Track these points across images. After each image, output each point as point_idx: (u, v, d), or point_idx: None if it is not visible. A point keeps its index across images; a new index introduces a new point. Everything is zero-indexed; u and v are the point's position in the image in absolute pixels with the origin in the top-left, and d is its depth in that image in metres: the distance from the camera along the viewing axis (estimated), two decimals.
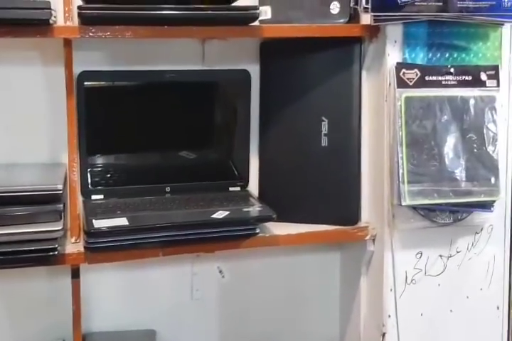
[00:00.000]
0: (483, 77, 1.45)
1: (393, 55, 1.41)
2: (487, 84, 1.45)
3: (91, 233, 1.30)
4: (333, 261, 1.75)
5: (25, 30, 1.25)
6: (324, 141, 1.51)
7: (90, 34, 1.29)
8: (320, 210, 1.53)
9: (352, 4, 1.42)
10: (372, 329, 1.55)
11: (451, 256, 1.51)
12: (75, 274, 1.44)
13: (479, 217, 1.48)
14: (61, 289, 1.53)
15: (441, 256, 1.50)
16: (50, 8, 1.21)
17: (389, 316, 1.47)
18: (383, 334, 1.48)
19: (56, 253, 1.26)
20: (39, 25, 1.25)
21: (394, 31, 1.40)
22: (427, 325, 1.50)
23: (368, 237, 1.51)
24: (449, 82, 1.43)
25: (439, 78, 1.43)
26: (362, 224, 1.53)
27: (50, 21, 1.25)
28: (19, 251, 1.24)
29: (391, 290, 1.47)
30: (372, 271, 1.56)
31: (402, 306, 1.47)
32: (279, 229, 1.48)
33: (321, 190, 1.53)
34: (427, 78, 1.42)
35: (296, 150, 1.56)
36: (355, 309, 1.65)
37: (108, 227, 1.30)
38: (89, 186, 1.50)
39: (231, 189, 1.60)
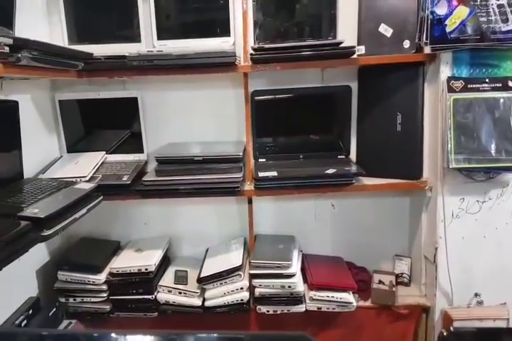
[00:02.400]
0: (510, 83, 1.42)
1: (445, 71, 1.44)
2: None
3: (257, 179, 1.52)
4: (404, 202, 1.77)
5: (223, 69, 1.48)
6: (399, 127, 1.55)
7: (257, 69, 1.49)
8: (396, 170, 1.57)
9: (417, 41, 1.46)
10: (429, 245, 1.59)
11: (485, 201, 1.50)
12: (250, 201, 1.63)
13: (505, 176, 1.48)
14: (243, 209, 1.71)
15: (477, 201, 1.50)
16: (235, 56, 1.43)
17: (440, 237, 1.51)
18: (436, 248, 1.52)
19: (239, 189, 1.49)
20: (230, 66, 1.47)
21: (446, 56, 1.43)
22: (466, 245, 1.52)
23: (427, 188, 1.55)
24: (485, 88, 1.42)
25: (478, 86, 1.42)
26: (423, 179, 1.56)
27: (236, 63, 1.47)
28: (221, 187, 1.48)
29: (442, 221, 1.50)
30: (429, 208, 1.58)
31: (449, 231, 1.50)
32: (368, 181, 1.56)
33: (397, 157, 1.57)
34: (469, 86, 1.42)
35: (380, 133, 1.61)
36: (418, 232, 1.67)
37: (266, 176, 1.51)
38: (257, 154, 1.69)
39: (339, 157, 1.69)
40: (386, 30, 1.52)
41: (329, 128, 1.71)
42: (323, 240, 1.82)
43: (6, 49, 1.05)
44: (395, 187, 1.59)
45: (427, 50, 1.45)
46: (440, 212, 1.51)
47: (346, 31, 1.58)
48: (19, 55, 1.09)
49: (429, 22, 1.39)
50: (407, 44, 1.50)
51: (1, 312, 1.30)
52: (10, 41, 1.05)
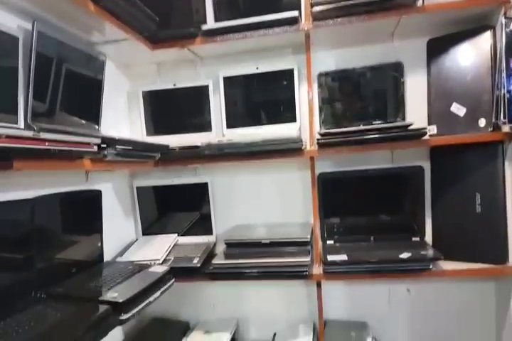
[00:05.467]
0: None
1: None
2: None
3: (326, 263, 1.54)
4: (489, 287, 1.69)
5: (290, 154, 1.55)
6: (478, 209, 1.53)
7: (323, 153, 1.56)
8: (478, 253, 1.53)
9: (494, 120, 1.47)
10: None
11: None
12: (319, 285, 1.65)
13: None
14: (312, 292, 1.74)
15: None
16: (301, 141, 1.53)
17: None
18: None
19: (307, 273, 1.53)
20: (296, 151, 1.56)
21: None
22: None
23: None
24: None
25: None
26: (510, 263, 1.49)
27: (302, 148, 1.56)
28: (289, 271, 1.54)
29: None
30: None
31: None
32: (447, 265, 1.52)
33: (478, 240, 1.53)
34: None
35: (458, 215, 1.58)
36: (508, 322, 1.58)
37: (336, 260, 1.52)
38: (325, 236, 1.73)
39: (413, 239, 1.67)
40: (459, 110, 1.55)
41: (401, 210, 1.71)
42: (399, 328, 1.78)
43: (95, 148, 1.24)
44: (477, 273, 1.54)
45: (506, 128, 1.45)
46: None
47: (416, 111, 1.64)
48: (105, 152, 1.28)
49: (506, 101, 1.40)
50: (482, 123, 1.51)
51: None
52: (98, 141, 1.24)
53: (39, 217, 1.23)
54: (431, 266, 1.50)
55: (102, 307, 1.15)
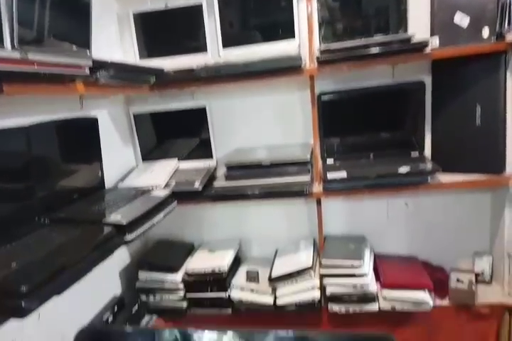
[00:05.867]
0: None
1: None
2: None
3: (326, 181, 1.57)
4: (485, 198, 1.74)
5: (289, 73, 1.53)
6: (478, 121, 1.53)
7: (323, 71, 1.53)
8: (476, 163, 1.56)
9: (498, 29, 1.44)
10: None
11: None
12: (318, 203, 1.70)
13: None
14: (312, 210, 1.78)
15: None
16: (301, 59, 1.49)
17: None
18: None
19: (307, 192, 1.56)
20: (296, 70, 1.53)
21: None
22: None
23: (510, 184, 1.52)
24: None
25: None
26: (506, 174, 1.54)
27: (302, 66, 1.52)
28: (290, 190, 1.57)
29: None
30: None
31: None
32: (445, 177, 1.55)
33: (477, 151, 1.55)
34: None
35: (458, 128, 1.59)
36: (501, 228, 1.65)
37: (335, 178, 1.55)
38: (325, 155, 1.74)
39: (412, 154, 1.68)
40: (462, 19, 1.50)
41: (401, 126, 1.71)
42: (397, 239, 1.85)
43: (87, 71, 1.19)
44: (474, 185, 1.57)
45: (510, 37, 1.41)
46: None
47: (418, 22, 1.57)
48: (98, 75, 1.24)
49: (511, 8, 1.37)
50: (485, 33, 1.47)
51: (91, 309, 1.53)
52: (89, 63, 1.20)
53: (36, 145, 1.21)
54: (429, 179, 1.53)
55: (107, 229, 1.17)
